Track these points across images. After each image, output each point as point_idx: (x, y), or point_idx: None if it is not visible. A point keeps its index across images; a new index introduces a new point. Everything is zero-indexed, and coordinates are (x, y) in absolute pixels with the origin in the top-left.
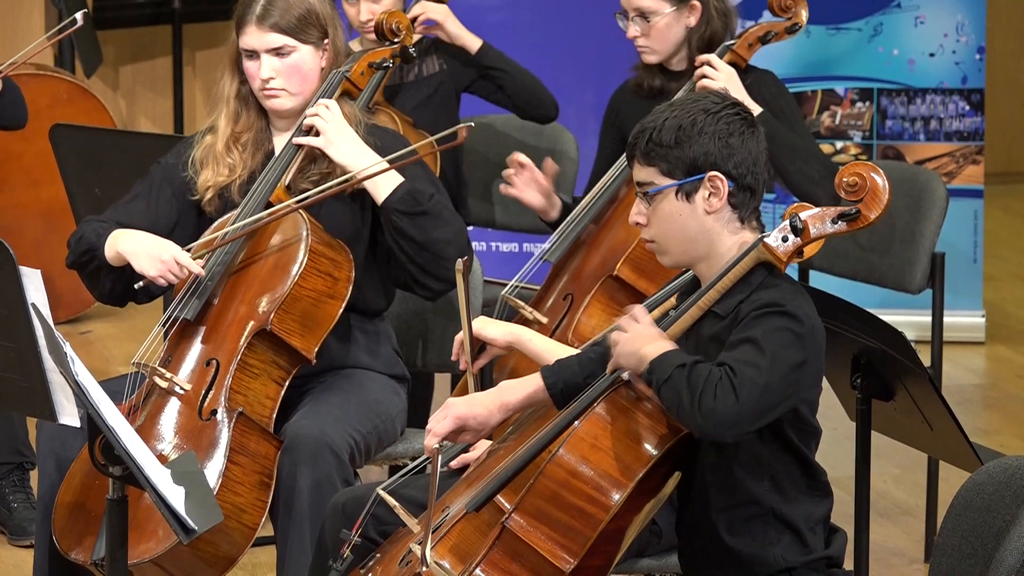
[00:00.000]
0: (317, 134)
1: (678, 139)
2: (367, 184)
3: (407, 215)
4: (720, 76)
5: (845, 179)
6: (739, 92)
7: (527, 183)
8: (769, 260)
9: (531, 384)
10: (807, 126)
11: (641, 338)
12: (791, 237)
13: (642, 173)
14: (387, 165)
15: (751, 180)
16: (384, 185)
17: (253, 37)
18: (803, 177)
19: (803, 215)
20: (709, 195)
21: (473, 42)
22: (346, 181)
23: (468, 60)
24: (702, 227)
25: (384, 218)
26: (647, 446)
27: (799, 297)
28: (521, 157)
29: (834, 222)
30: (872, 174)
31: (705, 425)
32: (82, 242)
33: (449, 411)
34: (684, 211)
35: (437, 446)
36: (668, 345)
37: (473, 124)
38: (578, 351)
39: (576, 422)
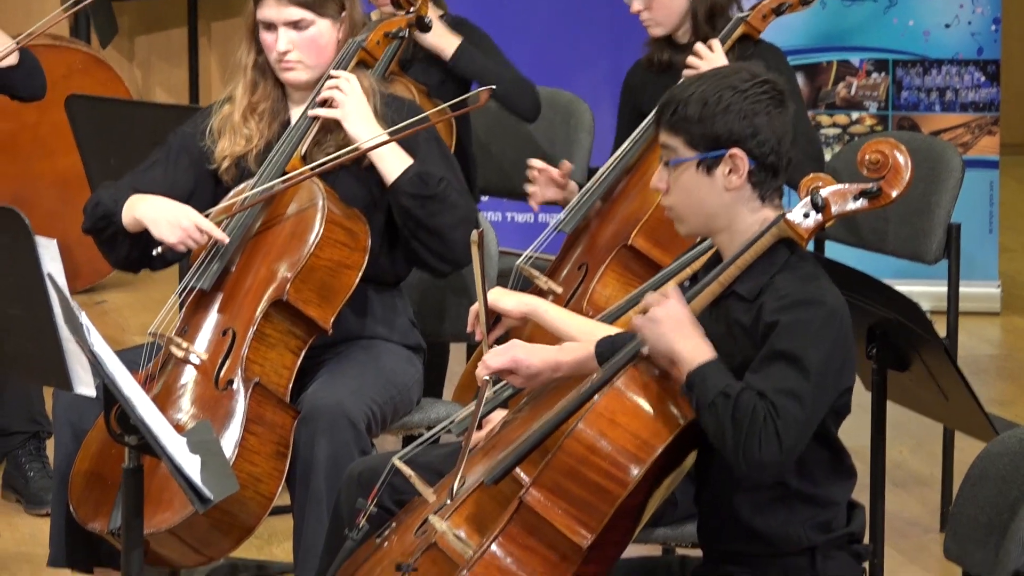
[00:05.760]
0: (334, 106)
1: (702, 114)
2: (377, 163)
3: (415, 198)
4: (702, 65)
5: (867, 156)
6: None
7: (546, 184)
8: (790, 236)
9: (584, 351)
10: (803, 110)
11: (673, 325)
12: (812, 214)
13: (666, 139)
14: (396, 143)
15: (774, 159)
16: (394, 165)
17: (272, 10)
18: None
19: (824, 192)
20: (729, 172)
21: (448, 47)
22: (356, 150)
23: (444, 67)
24: (720, 202)
25: (392, 198)
26: (667, 422)
27: (823, 279)
28: (537, 163)
29: (856, 199)
30: (894, 151)
31: (747, 469)
32: (99, 208)
33: (510, 351)
34: (703, 185)
35: (487, 377)
36: (703, 346)
37: (495, 87)
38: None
39: (596, 396)
